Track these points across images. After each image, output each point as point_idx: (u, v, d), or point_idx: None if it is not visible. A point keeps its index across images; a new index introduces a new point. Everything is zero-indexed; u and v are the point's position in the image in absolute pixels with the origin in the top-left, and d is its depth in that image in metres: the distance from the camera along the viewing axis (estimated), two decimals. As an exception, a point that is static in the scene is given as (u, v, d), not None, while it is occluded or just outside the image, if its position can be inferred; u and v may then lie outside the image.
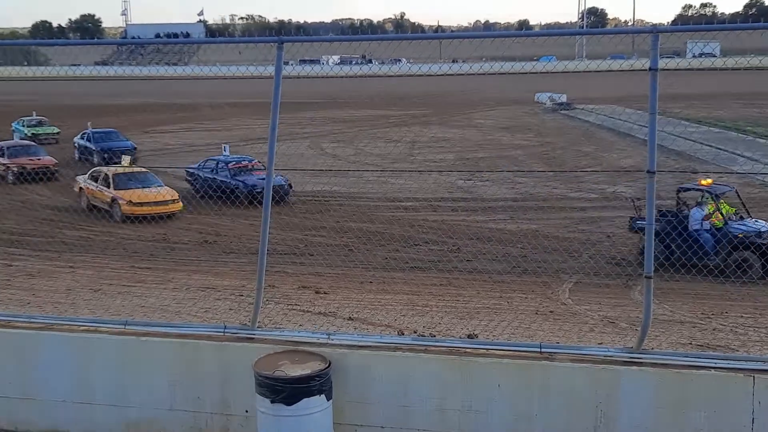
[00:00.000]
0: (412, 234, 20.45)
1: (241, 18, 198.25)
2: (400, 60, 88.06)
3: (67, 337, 7.60)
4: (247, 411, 7.03)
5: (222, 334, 7.45)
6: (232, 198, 21.75)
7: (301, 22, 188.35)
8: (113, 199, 22.61)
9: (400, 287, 15.06)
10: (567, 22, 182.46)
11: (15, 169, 28.13)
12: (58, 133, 40.05)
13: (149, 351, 7.37)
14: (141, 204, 21.97)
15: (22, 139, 35.87)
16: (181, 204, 22.21)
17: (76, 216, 22.43)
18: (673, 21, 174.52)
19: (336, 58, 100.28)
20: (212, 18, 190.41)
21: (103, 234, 20.58)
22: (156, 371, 7.33)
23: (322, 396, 6.64)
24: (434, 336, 10.04)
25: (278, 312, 12.25)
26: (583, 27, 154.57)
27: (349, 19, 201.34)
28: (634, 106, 43.23)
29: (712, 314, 13.50)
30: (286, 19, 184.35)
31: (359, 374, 6.91)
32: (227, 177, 24.85)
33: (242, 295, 13.51)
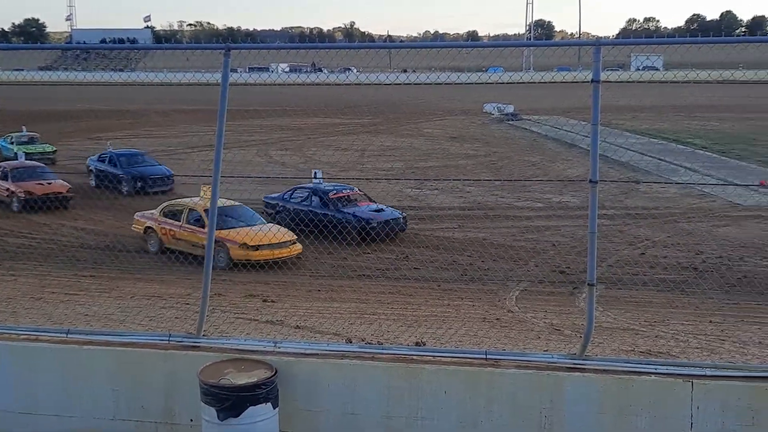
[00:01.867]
0: (360, 242, 20.49)
1: (190, 25, 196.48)
2: (350, 69, 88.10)
3: (8, 346, 7.45)
4: (192, 420, 6.96)
5: (167, 342, 7.37)
6: (334, 233, 17.89)
7: (251, 29, 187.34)
8: (216, 242, 18.89)
9: (349, 295, 15.09)
10: (515, 34, 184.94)
11: (21, 195, 24.07)
12: (54, 151, 34.55)
13: (92, 360, 7.26)
14: (257, 247, 18.17)
15: (10, 159, 30.41)
16: (300, 246, 18.48)
17: (17, 223, 21.96)
18: (617, 34, 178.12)
19: (285, 66, 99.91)
20: (160, 24, 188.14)
21: (45, 242, 20.20)
22: (99, 380, 7.22)
23: (268, 404, 6.61)
24: (382, 344, 10.06)
25: (225, 320, 12.17)
26: (530, 39, 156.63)
27: (299, 27, 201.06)
28: (578, 117, 43.93)
29: (655, 322, 13.79)
30: (235, 26, 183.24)
31: (306, 382, 6.90)
32: (331, 209, 21.19)
33: (188, 304, 13.38)
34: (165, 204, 20.73)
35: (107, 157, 29.01)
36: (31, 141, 35.31)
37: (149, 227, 20.14)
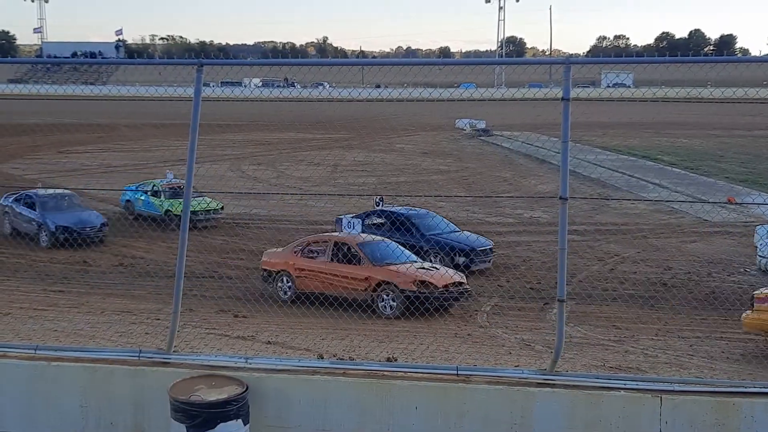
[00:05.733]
0: (332, 257, 20.37)
1: (162, 38, 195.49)
2: (322, 84, 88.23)
3: (-26, 362, 7.35)
4: (162, 437, 6.91)
5: (137, 358, 7.31)
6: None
7: (223, 44, 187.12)
8: None
9: (320, 311, 15.03)
10: (486, 51, 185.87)
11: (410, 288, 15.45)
12: (221, 208, 24.01)
13: (60, 376, 7.18)
14: None
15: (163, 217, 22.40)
16: None
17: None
18: (588, 52, 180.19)
19: (258, 80, 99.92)
20: (131, 38, 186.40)
21: (14, 256, 19.93)
22: (67, 396, 7.14)
23: (239, 421, 6.57)
24: (353, 359, 10.05)
25: (195, 336, 12.04)
26: (501, 56, 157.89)
27: (272, 42, 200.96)
28: (549, 133, 44.28)
29: (624, 337, 13.89)
30: (207, 40, 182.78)
31: (277, 398, 6.88)
32: None
33: (159, 319, 13.27)
34: None
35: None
36: (181, 192, 26.68)
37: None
